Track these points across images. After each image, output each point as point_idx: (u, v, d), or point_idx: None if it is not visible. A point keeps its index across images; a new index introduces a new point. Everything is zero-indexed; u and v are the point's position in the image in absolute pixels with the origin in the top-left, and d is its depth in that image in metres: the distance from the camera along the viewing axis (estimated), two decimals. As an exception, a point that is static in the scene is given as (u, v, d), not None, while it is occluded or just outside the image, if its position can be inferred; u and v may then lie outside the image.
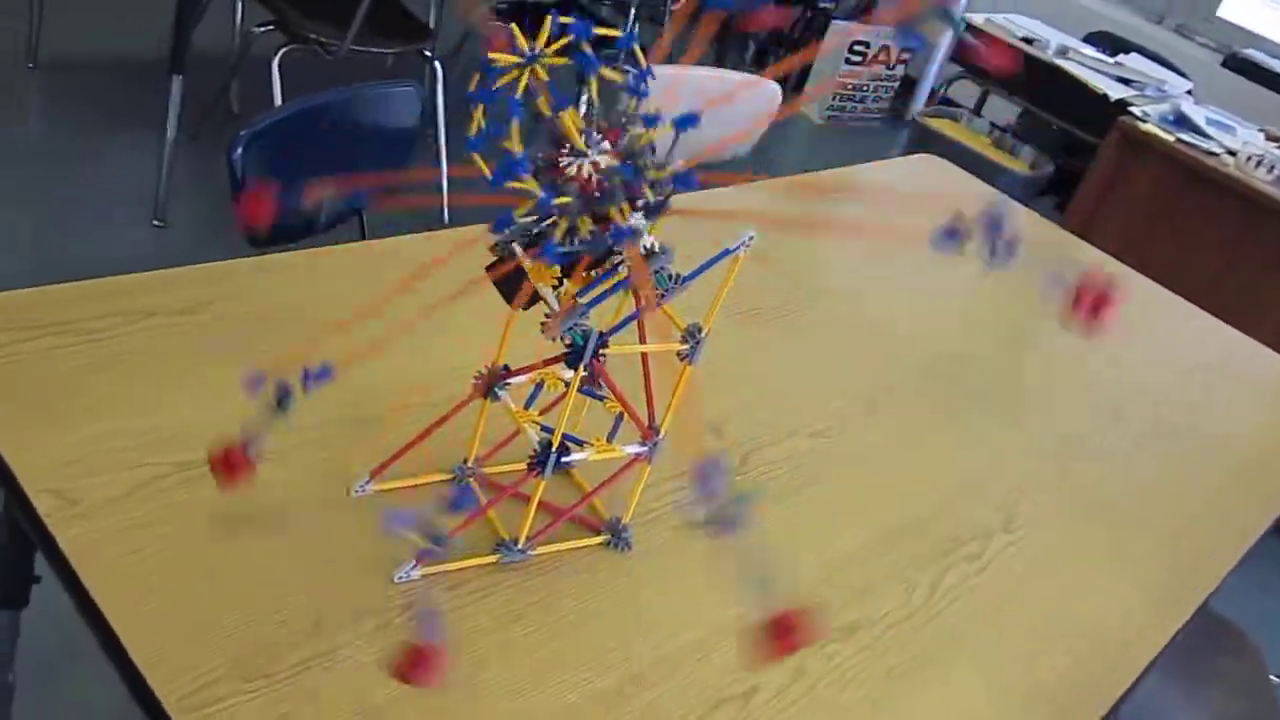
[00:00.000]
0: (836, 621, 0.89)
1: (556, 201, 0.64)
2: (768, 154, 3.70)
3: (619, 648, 0.79)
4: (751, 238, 0.73)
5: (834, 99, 4.27)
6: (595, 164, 0.66)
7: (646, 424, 0.83)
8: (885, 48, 4.21)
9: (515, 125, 0.61)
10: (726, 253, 0.73)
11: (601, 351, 0.73)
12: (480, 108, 0.62)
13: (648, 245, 0.70)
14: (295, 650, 0.70)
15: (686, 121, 0.66)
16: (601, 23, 0.70)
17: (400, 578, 0.78)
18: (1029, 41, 3.32)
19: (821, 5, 4.25)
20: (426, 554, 0.66)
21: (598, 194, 0.66)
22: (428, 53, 2.65)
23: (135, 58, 3.02)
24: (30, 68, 2.78)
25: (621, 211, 0.67)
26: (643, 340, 0.79)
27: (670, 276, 0.72)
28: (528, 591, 0.81)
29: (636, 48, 0.68)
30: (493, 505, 0.83)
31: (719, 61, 3.87)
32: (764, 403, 1.13)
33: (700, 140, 0.71)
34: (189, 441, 0.82)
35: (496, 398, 0.80)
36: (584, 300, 0.69)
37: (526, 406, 0.85)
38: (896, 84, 4.42)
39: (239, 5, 2.87)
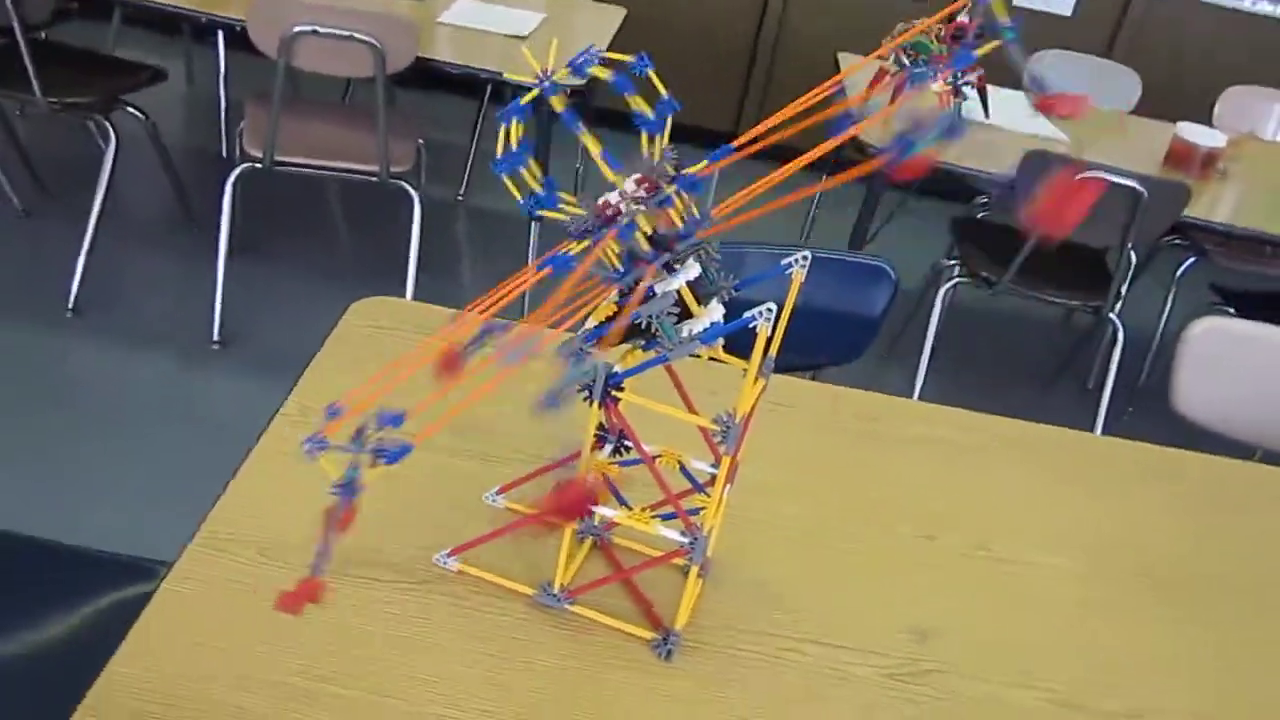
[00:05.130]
0: None
1: (563, 208, 0.68)
2: None
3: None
4: (771, 309, 0.66)
5: None
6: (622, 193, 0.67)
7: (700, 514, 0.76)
8: None
9: (515, 122, 0.67)
10: (743, 322, 0.67)
11: (615, 393, 0.72)
12: (506, 128, 0.69)
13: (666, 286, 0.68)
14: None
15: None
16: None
17: (436, 560, 0.84)
18: None
19: None
20: (343, 491, 0.65)
21: (612, 216, 0.67)
22: (1097, 307, 2.52)
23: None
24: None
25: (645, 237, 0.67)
26: (688, 404, 0.74)
27: (680, 330, 0.69)
28: (526, 632, 0.80)
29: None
30: (508, 531, 0.83)
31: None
32: (1048, 647, 0.89)
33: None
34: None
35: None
36: (587, 327, 0.70)
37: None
38: None
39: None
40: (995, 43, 0.62)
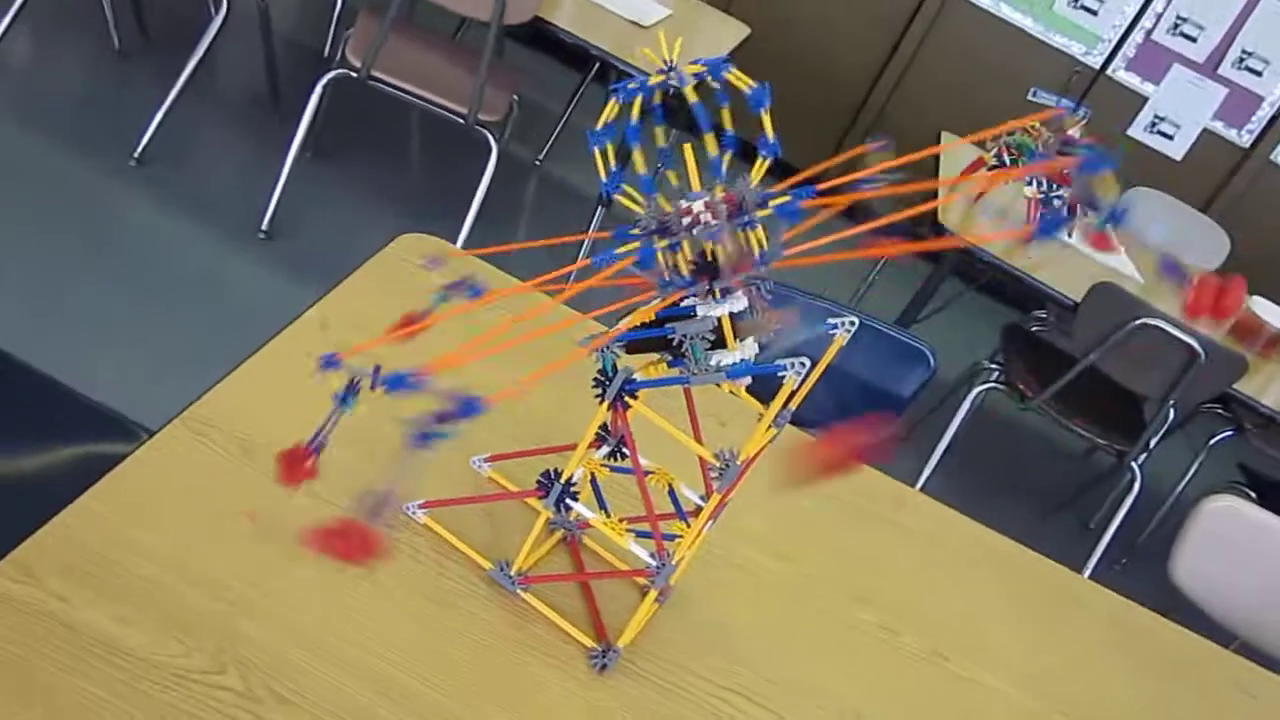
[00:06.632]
0: None
1: (637, 212, 0.67)
2: None
3: None
4: (805, 363, 0.65)
5: None
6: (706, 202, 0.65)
7: (666, 539, 0.75)
8: None
9: (639, 99, 0.66)
10: (773, 368, 0.66)
11: (628, 399, 0.71)
12: (613, 103, 0.68)
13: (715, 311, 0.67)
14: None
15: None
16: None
17: (405, 507, 0.83)
18: None
19: None
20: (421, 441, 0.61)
21: (692, 226, 0.65)
22: (1122, 452, 2.49)
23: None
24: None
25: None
26: (696, 430, 0.73)
27: (708, 358, 0.67)
28: (470, 603, 0.79)
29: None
30: (476, 502, 0.83)
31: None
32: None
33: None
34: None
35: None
36: (619, 328, 0.69)
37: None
38: None
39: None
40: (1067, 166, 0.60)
